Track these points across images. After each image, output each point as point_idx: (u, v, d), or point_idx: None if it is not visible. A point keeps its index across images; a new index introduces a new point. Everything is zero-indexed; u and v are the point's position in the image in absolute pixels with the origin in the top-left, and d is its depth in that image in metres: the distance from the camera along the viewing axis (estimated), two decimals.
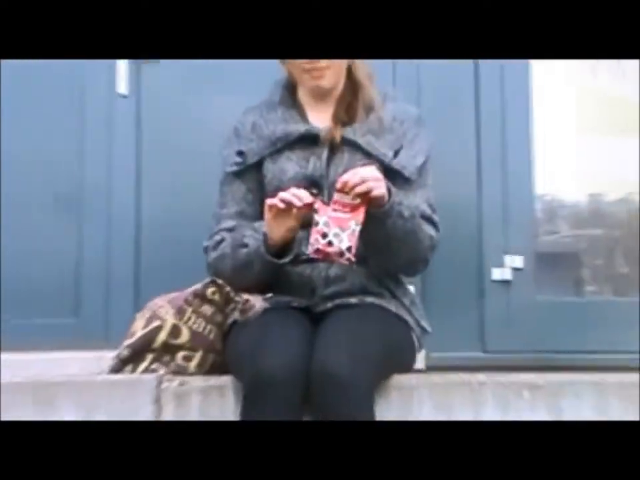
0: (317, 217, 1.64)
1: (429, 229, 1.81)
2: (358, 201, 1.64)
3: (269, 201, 1.69)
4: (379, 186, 1.64)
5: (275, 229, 1.73)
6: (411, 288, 1.94)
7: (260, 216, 1.82)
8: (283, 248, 1.77)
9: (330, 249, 1.62)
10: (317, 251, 1.62)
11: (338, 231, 1.64)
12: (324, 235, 1.64)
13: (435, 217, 1.83)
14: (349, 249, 1.63)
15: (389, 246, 1.77)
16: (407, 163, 1.83)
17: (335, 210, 1.65)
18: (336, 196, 1.66)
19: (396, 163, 1.81)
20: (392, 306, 1.81)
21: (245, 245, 1.78)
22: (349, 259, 1.63)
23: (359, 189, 1.61)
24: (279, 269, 1.78)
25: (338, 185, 1.63)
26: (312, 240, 1.63)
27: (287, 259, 1.76)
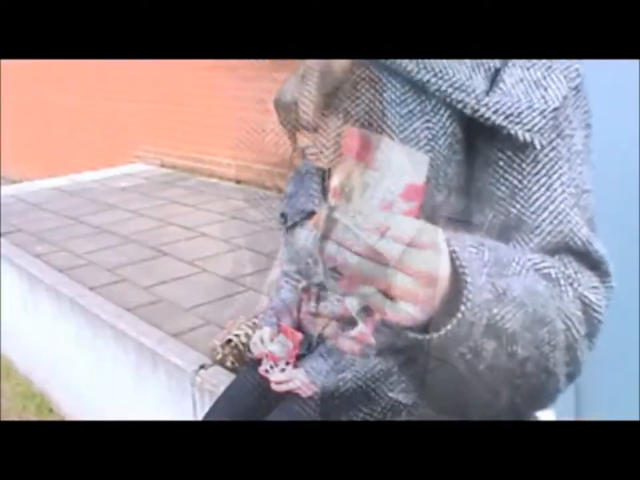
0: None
1: (580, 294, 0.87)
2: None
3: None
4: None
5: None
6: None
7: None
8: None
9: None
10: None
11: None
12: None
13: (599, 249, 0.91)
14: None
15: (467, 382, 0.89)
16: (517, 103, 0.87)
17: None
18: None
19: (492, 105, 0.88)
20: None
21: None
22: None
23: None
24: None
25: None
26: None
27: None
